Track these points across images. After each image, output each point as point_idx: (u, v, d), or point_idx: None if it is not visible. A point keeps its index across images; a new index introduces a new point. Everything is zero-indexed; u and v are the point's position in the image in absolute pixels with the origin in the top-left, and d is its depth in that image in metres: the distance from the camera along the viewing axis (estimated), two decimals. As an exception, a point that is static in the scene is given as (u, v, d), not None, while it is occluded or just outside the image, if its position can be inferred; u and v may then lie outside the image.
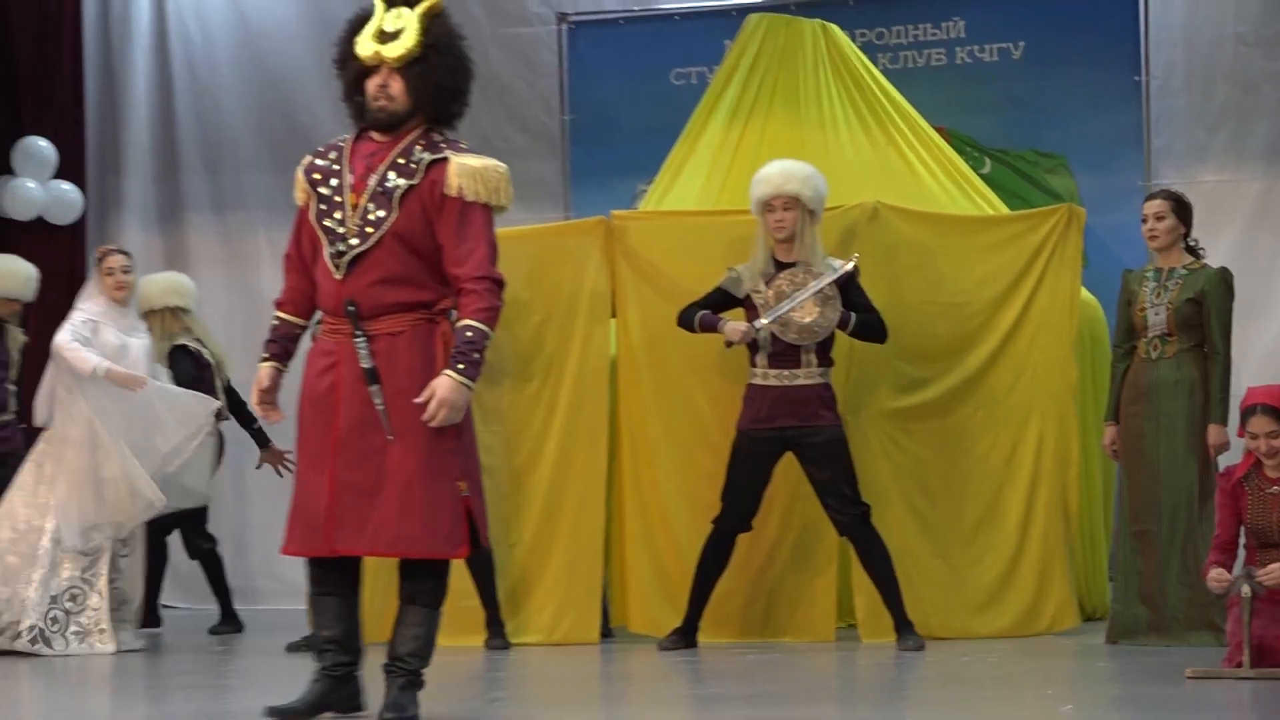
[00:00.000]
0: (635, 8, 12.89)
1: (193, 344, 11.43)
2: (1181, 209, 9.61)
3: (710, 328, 9.54)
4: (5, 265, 11.46)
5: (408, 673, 6.88)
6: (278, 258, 13.00)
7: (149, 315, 11.34)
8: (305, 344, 7.19)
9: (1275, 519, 8.34)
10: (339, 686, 7.06)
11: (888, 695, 8.27)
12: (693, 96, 11.49)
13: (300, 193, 7.08)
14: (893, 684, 8.54)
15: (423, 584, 6.93)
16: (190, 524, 11.54)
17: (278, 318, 7.17)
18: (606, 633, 10.14)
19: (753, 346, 9.48)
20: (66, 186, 13.32)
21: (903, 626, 9.40)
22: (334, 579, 7.06)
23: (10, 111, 13.33)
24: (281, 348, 7.14)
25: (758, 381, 9.53)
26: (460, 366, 6.65)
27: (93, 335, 10.06)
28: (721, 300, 9.60)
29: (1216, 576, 8.19)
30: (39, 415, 10.32)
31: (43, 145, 13.23)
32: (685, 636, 9.57)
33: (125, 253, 10.56)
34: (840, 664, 9.21)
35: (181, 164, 13.63)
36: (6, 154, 13.16)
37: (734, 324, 9.47)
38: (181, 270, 13.45)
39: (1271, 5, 11.82)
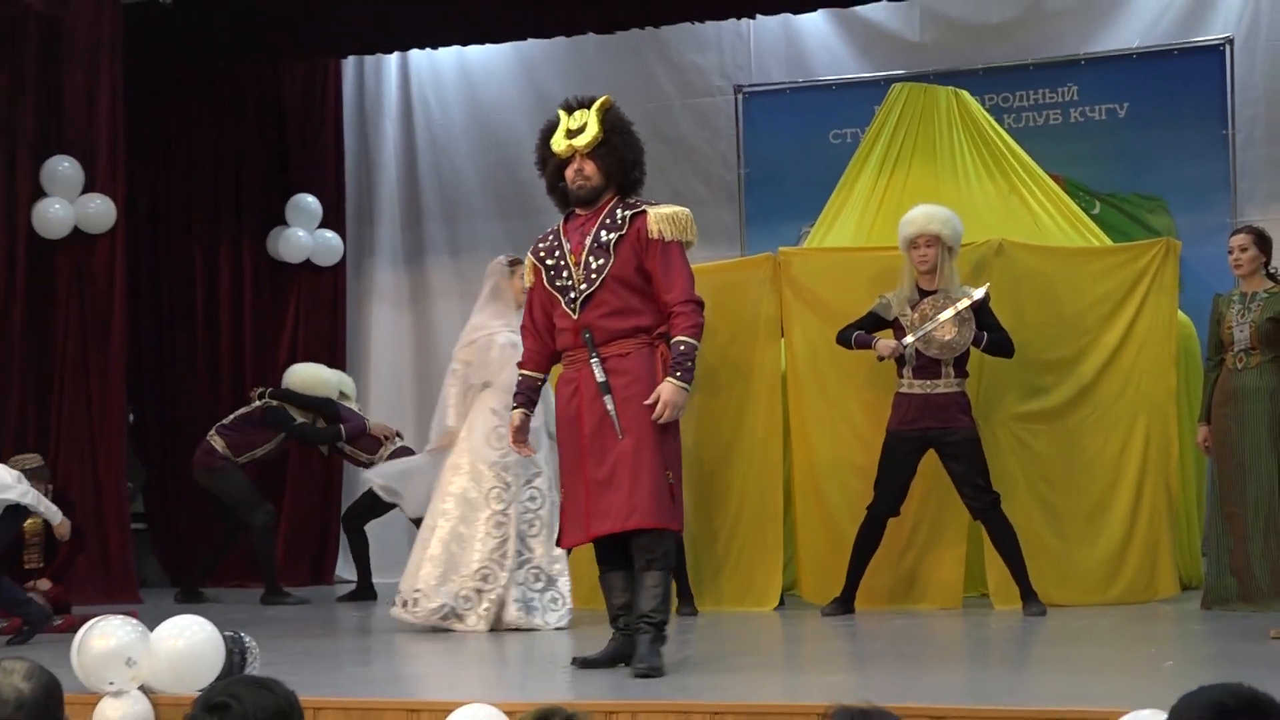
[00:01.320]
0: (799, 79, 12.89)
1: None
2: (1262, 242, 9.52)
3: (864, 345, 9.55)
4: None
5: (653, 626, 7.19)
6: (507, 292, 13.27)
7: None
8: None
9: (1347, 503, 8.27)
10: (630, 644, 7.37)
11: (1015, 652, 8.24)
12: (847, 153, 11.48)
13: (530, 274, 7.60)
14: (1019, 643, 8.49)
15: (654, 553, 7.22)
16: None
17: (521, 375, 7.65)
18: (780, 601, 10.16)
19: (900, 360, 9.46)
20: (329, 234, 13.47)
21: (1028, 595, 9.35)
22: (617, 558, 7.42)
23: (283, 172, 13.50)
24: (526, 397, 7.61)
25: (904, 390, 9.51)
26: (678, 374, 7.11)
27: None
28: (873, 322, 9.60)
29: None
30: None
31: (310, 200, 13.38)
32: (844, 604, 9.55)
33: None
34: (975, 626, 9.17)
35: (423, 215, 13.77)
36: (280, 208, 13.32)
37: (885, 342, 9.47)
38: (420, 302, 13.68)
39: (1340, 68, 11.70)
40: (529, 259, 7.63)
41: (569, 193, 7.44)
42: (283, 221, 13.34)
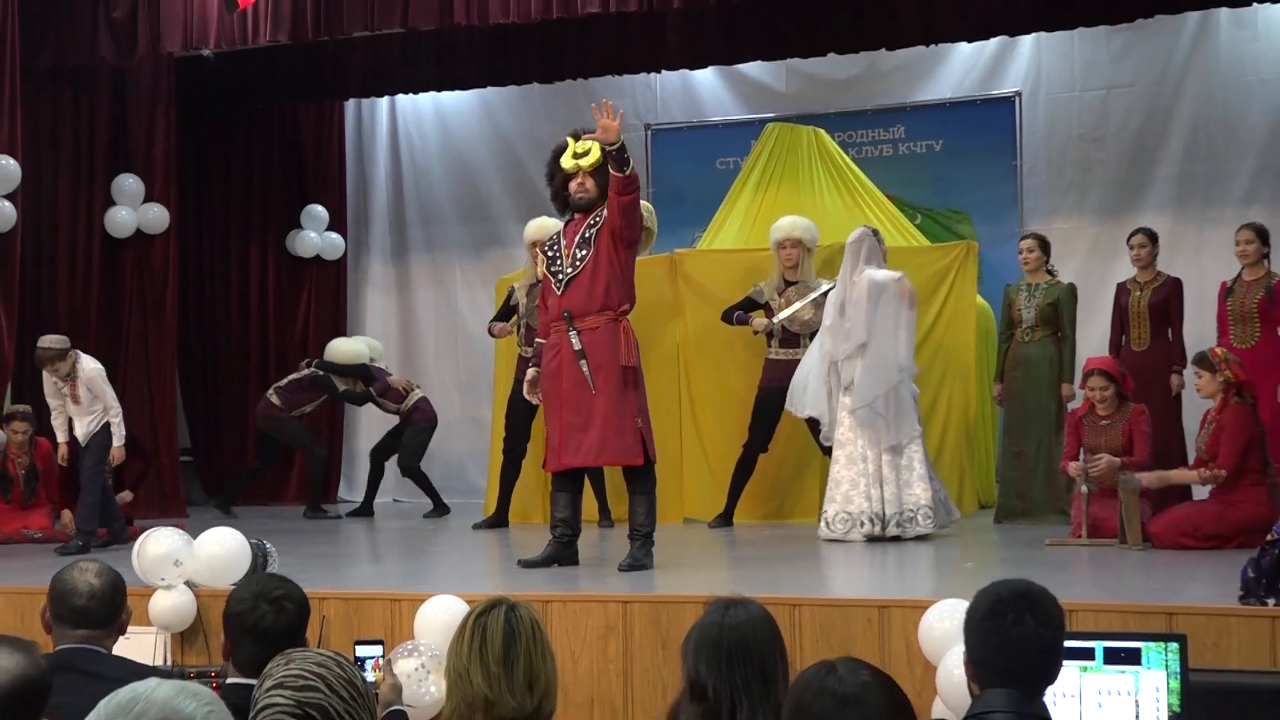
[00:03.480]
0: (694, 120, 12.89)
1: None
2: (1044, 245, 9.65)
3: (743, 322, 9.58)
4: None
5: (643, 535, 7.30)
6: (468, 282, 13.38)
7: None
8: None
9: (1103, 441, 8.40)
10: (564, 549, 7.53)
11: (854, 554, 8.27)
12: (730, 177, 11.50)
13: (540, 264, 7.70)
14: (857, 548, 8.53)
15: (640, 482, 7.39)
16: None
17: (539, 340, 7.72)
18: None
19: (769, 334, 9.50)
20: (334, 236, 13.38)
21: (864, 512, 9.41)
22: (567, 483, 7.50)
23: (299, 187, 13.40)
24: (540, 360, 7.61)
25: (772, 356, 9.54)
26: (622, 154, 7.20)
27: None
28: (749, 305, 9.62)
29: (1073, 469, 8.35)
30: None
31: (319, 209, 13.27)
32: (725, 519, 9.59)
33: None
34: (825, 536, 9.22)
35: (406, 220, 13.71)
36: (296, 214, 13.23)
37: (760, 320, 9.51)
38: (403, 289, 13.64)
39: (1100, 116, 11.76)
40: (540, 254, 7.71)
41: (570, 200, 7.46)
42: (298, 225, 13.23)
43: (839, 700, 2.60)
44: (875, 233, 9.08)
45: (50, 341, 9.38)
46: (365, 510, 11.61)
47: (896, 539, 8.44)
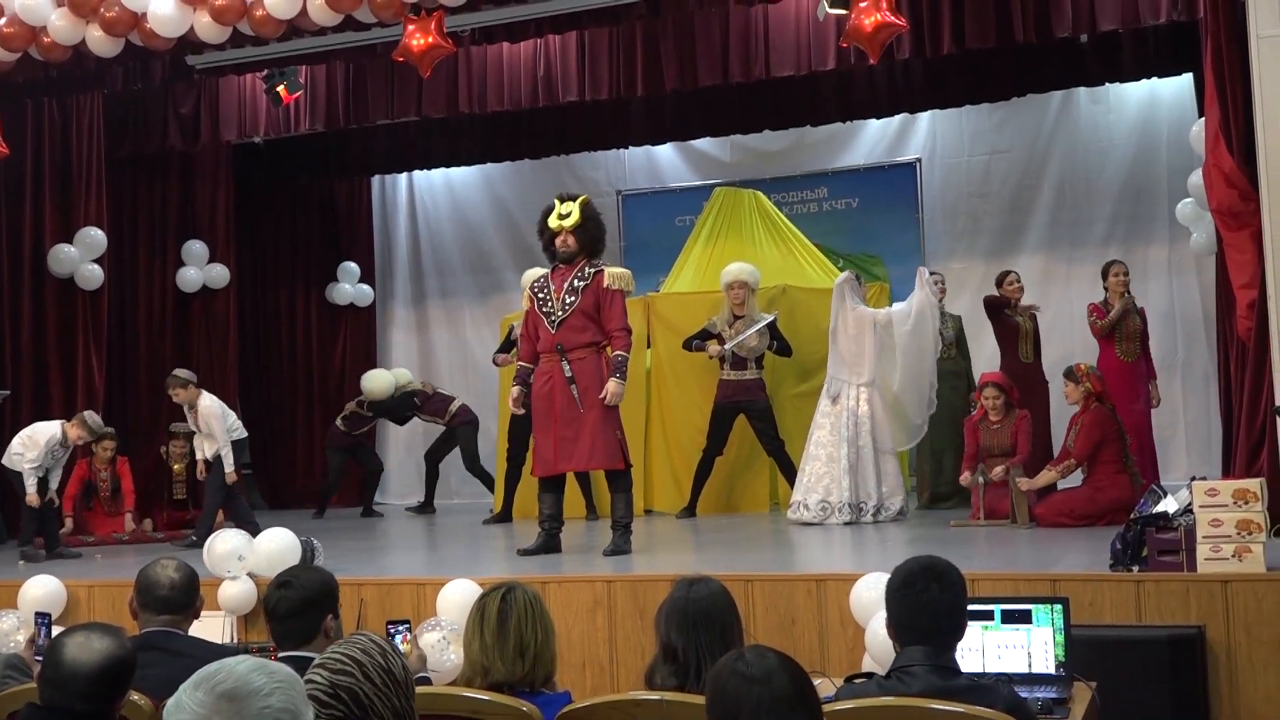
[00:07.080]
0: (656, 186, 12.90)
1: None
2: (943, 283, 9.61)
3: (700, 349, 9.56)
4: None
5: (622, 526, 7.25)
6: (477, 322, 13.29)
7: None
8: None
9: (995, 443, 8.46)
10: (552, 539, 7.42)
11: (797, 537, 8.25)
12: (687, 232, 11.46)
13: (526, 301, 7.56)
14: (799, 532, 8.50)
15: (620, 483, 7.35)
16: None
17: (520, 365, 7.58)
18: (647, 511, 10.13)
19: (722, 359, 9.48)
20: (365, 287, 13.33)
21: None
22: (553, 485, 7.43)
23: (335, 247, 13.36)
24: (523, 379, 7.51)
25: (725, 377, 9.51)
26: (618, 374, 7.15)
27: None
28: (705, 335, 9.60)
29: (965, 479, 8.30)
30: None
31: (352, 265, 13.25)
32: (689, 511, 9.55)
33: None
34: (772, 523, 9.17)
35: (424, 273, 13.66)
36: (333, 269, 13.20)
37: (714, 347, 9.48)
38: (421, 329, 13.54)
39: (985, 176, 11.82)
40: (527, 292, 7.61)
41: (555, 253, 7.40)
42: (335, 278, 13.19)
43: (748, 680, 2.55)
44: (857, 276, 9.15)
45: (177, 371, 9.23)
46: (427, 508, 11.47)
47: (851, 523, 8.44)
